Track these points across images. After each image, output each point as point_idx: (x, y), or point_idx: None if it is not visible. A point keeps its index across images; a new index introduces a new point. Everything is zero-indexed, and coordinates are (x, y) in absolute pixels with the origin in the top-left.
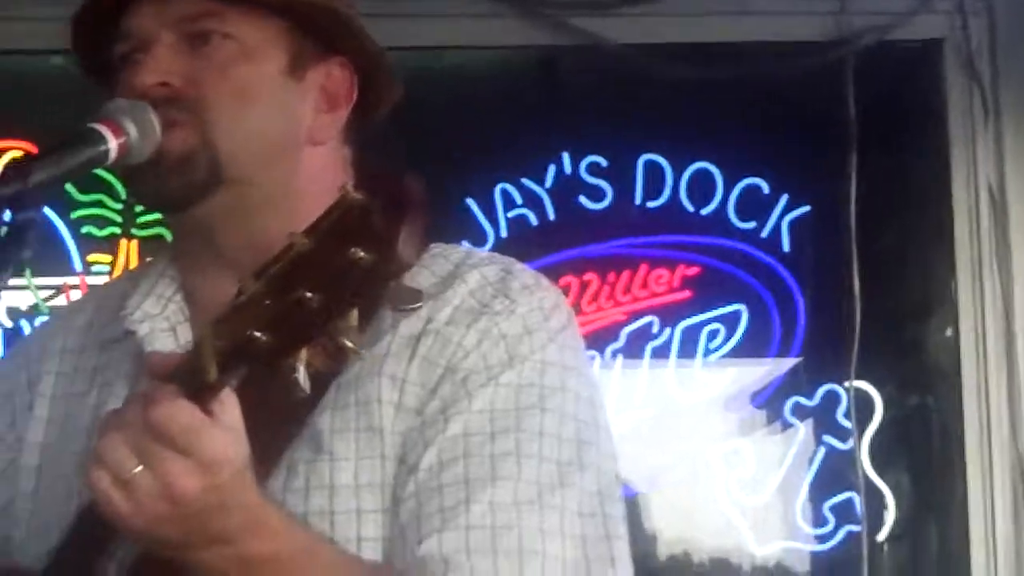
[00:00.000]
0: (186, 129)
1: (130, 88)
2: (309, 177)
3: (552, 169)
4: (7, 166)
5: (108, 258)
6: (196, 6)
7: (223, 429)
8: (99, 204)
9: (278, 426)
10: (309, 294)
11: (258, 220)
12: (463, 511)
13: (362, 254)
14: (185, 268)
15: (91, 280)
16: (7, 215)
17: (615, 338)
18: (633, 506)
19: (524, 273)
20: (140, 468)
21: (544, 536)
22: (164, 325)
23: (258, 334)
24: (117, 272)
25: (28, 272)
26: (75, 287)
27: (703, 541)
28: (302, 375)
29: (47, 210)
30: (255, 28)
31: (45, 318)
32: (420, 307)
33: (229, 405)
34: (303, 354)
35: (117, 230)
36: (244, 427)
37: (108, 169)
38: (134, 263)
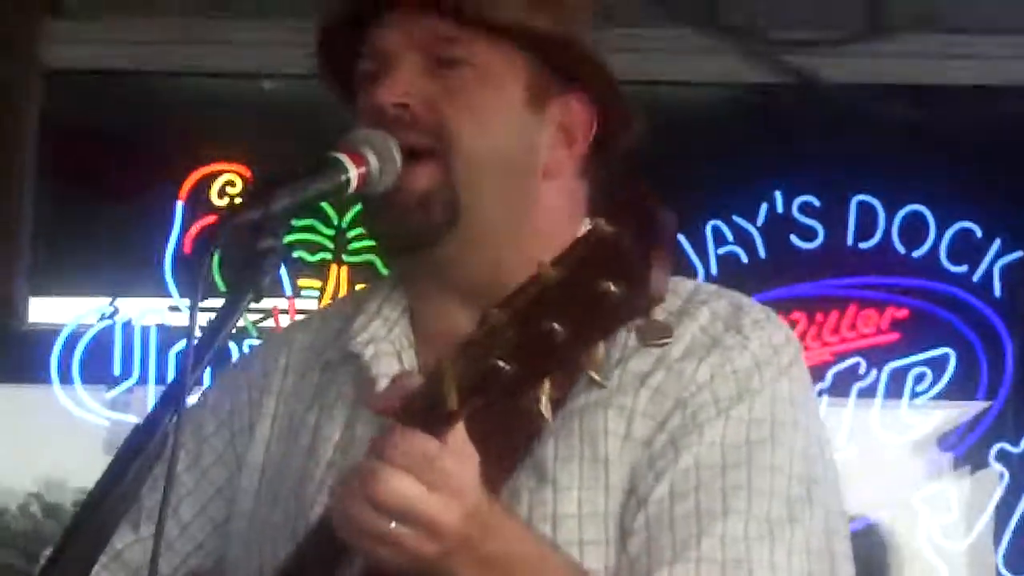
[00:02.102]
0: (426, 164)
1: (370, 105)
2: (544, 211)
3: (764, 207)
4: (249, 192)
5: (318, 283)
6: (446, 30)
7: (461, 456)
8: (311, 230)
9: (501, 453)
10: (556, 326)
11: (492, 254)
12: (694, 544)
13: (613, 288)
14: (411, 294)
15: (300, 304)
16: (250, 241)
17: (821, 378)
18: None
19: (754, 308)
20: (395, 524)
21: (774, 571)
22: (389, 349)
23: (502, 364)
24: (327, 298)
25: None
26: (284, 311)
27: None
28: (544, 406)
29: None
30: (500, 58)
31: (255, 341)
32: (669, 342)
33: (460, 430)
34: (546, 385)
35: (328, 256)
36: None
37: (341, 199)
38: (344, 289)
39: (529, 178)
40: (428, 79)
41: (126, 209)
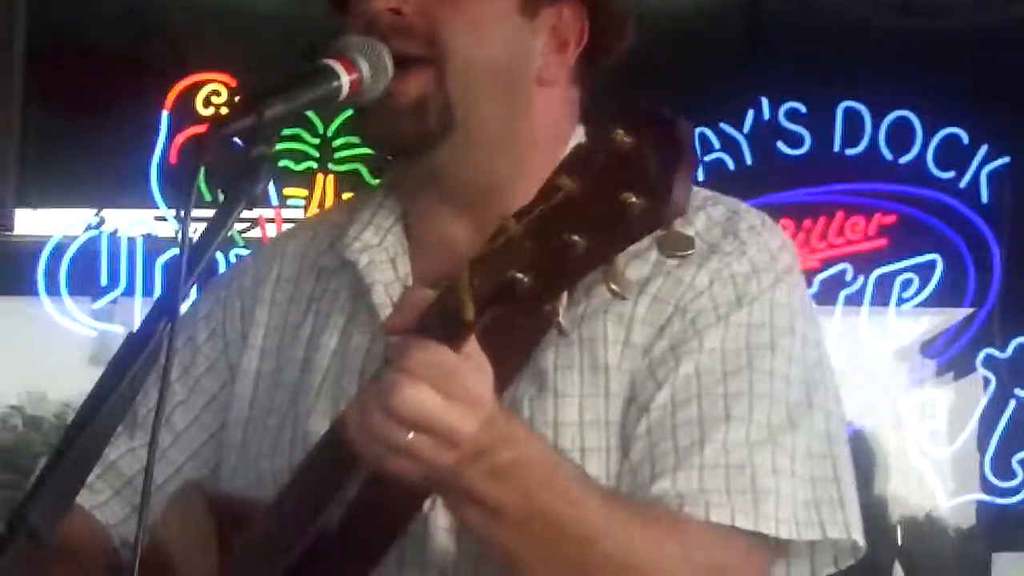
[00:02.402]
0: (419, 71)
1: (362, 13)
2: (538, 118)
3: (750, 114)
4: (241, 99)
5: (304, 192)
6: None
7: (477, 366)
8: (297, 139)
9: (501, 362)
10: (576, 237)
11: (486, 161)
12: (697, 451)
13: (635, 199)
14: (405, 202)
15: (286, 213)
16: (240, 148)
17: (808, 285)
18: None
19: (750, 213)
20: (413, 434)
21: (777, 476)
22: (383, 256)
23: (520, 276)
24: (313, 206)
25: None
26: (270, 220)
27: (891, 489)
28: (563, 318)
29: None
30: None
31: (241, 251)
32: (692, 253)
33: (473, 341)
34: (564, 297)
35: (314, 165)
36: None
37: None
38: (330, 198)
39: (523, 85)
40: None
41: (111, 120)
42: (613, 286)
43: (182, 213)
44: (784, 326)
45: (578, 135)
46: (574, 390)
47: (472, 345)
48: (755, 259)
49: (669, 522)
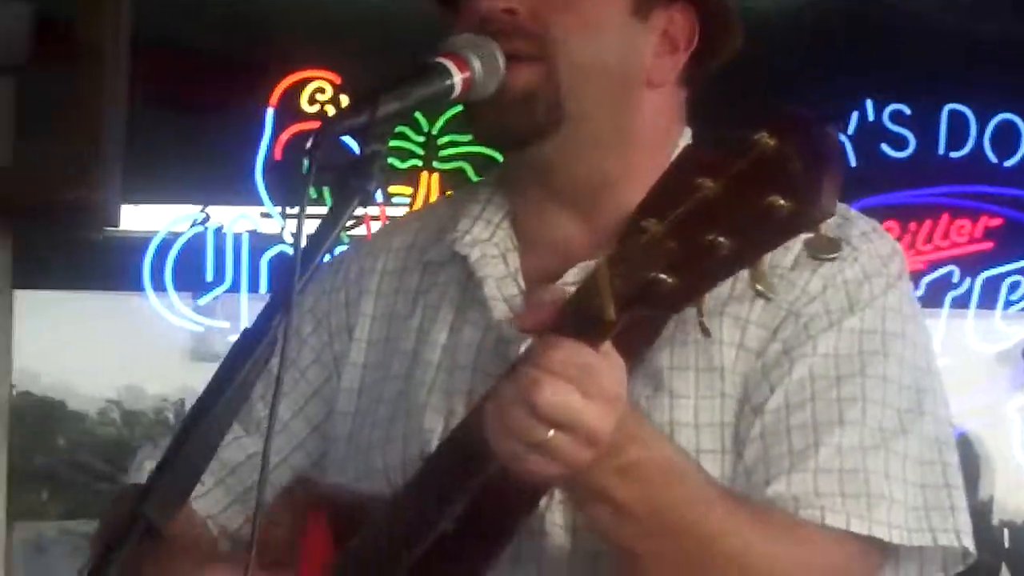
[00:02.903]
0: (530, 65)
1: (474, 11)
2: (646, 118)
3: (855, 116)
4: (354, 97)
5: (408, 190)
6: None
7: (614, 364)
8: (402, 136)
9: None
10: (721, 239)
11: (595, 160)
12: (812, 454)
13: (781, 202)
14: (513, 196)
15: (391, 211)
16: (355, 146)
17: (915, 287)
18: None
19: (861, 219)
20: (553, 432)
21: (889, 481)
22: (494, 251)
23: (664, 276)
24: (417, 204)
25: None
26: (375, 218)
27: (995, 492)
28: (705, 319)
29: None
30: None
31: (343, 247)
32: (837, 257)
33: (608, 342)
34: (706, 298)
35: (419, 163)
36: None
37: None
38: (434, 196)
39: (633, 86)
40: None
41: (217, 116)
42: (759, 287)
43: (295, 210)
44: (896, 332)
45: (685, 136)
46: (689, 391)
47: (608, 344)
48: (866, 265)
49: (786, 524)
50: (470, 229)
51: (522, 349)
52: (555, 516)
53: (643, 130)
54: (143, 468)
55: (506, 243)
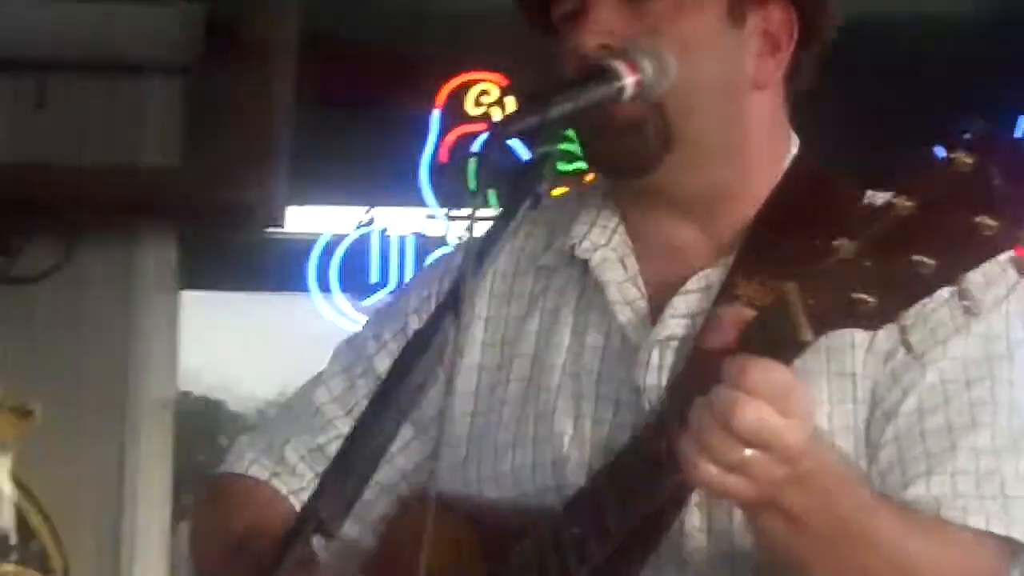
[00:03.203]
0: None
1: (571, 51)
2: (756, 122)
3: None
4: (525, 99)
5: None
6: None
7: (801, 383)
8: (566, 139)
9: None
10: (924, 258)
11: (709, 172)
12: (948, 457)
13: (989, 220)
14: (625, 203)
15: None
16: (526, 148)
17: None
18: None
19: None
20: (750, 451)
21: (1022, 482)
22: (612, 256)
23: (864, 296)
24: None
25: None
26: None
27: None
28: (905, 337)
29: (517, 143)
30: None
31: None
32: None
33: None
34: (905, 316)
35: (583, 165)
36: None
37: None
38: None
39: (740, 94)
40: (626, 16)
41: (382, 118)
42: (966, 303)
43: (459, 212)
44: (1019, 337)
45: (794, 141)
46: (823, 396)
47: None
48: (988, 271)
49: (935, 526)
50: (587, 234)
51: (648, 354)
52: (693, 519)
53: (752, 134)
54: (244, 457)
55: (623, 248)
